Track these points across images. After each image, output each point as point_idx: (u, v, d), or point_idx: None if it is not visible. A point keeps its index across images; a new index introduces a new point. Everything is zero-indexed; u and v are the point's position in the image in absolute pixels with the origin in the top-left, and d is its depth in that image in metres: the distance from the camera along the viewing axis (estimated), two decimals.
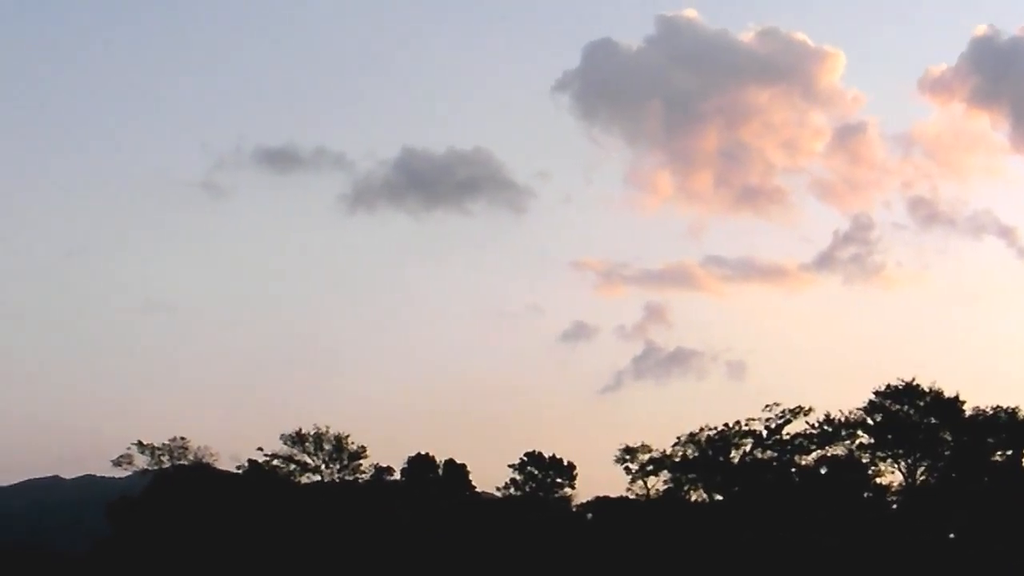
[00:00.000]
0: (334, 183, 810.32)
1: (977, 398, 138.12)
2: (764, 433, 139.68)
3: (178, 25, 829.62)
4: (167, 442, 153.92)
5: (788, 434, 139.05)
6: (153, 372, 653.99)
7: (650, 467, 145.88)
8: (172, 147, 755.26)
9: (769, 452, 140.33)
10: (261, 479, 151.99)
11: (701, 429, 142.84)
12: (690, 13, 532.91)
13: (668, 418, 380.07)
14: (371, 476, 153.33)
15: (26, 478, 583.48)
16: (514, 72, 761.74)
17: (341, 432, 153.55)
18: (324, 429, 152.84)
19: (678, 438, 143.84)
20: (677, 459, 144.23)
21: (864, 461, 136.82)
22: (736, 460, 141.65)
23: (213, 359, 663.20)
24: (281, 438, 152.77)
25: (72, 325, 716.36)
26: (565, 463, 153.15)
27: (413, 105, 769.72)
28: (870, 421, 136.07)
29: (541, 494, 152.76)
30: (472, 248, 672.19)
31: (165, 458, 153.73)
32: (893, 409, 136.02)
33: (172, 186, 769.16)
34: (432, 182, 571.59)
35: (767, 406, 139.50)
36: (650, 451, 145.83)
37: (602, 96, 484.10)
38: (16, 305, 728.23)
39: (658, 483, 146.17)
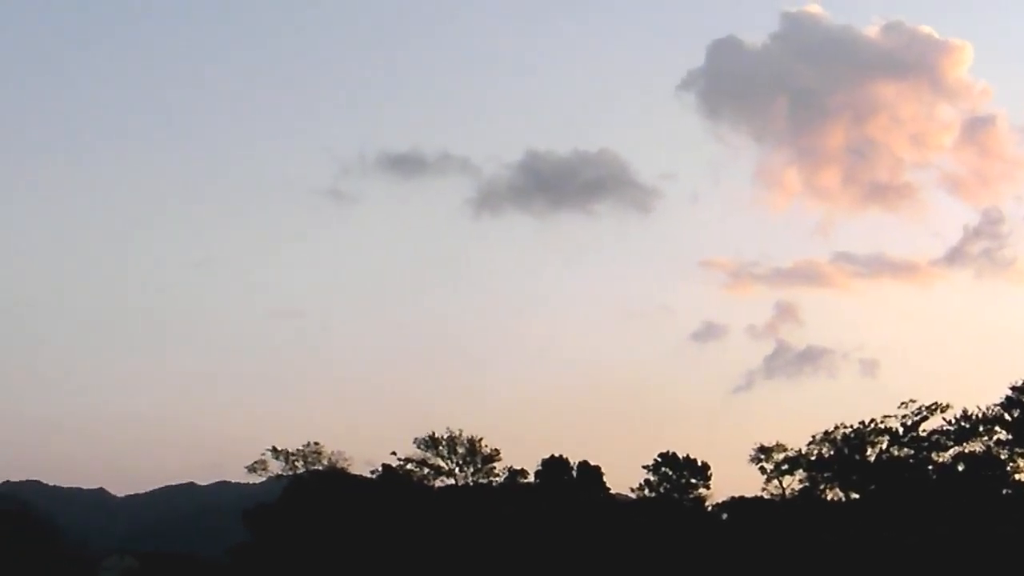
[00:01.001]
0: (459, 187, 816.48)
1: None
2: (900, 430, 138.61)
3: (302, 35, 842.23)
4: (301, 447, 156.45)
5: (924, 431, 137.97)
6: (286, 378, 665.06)
7: (785, 466, 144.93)
8: (299, 155, 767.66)
9: (905, 450, 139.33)
10: (395, 483, 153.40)
11: (836, 427, 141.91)
12: (814, 8, 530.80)
13: (801, 417, 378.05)
14: (505, 479, 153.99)
15: (162, 485, 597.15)
16: (638, 72, 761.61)
17: (474, 435, 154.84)
18: (457, 432, 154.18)
19: (813, 437, 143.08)
20: (812, 458, 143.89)
21: (1002, 458, 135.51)
22: (872, 458, 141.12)
23: (345, 364, 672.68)
24: (414, 442, 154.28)
25: (205, 333, 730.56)
26: (699, 463, 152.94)
27: (537, 107, 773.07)
28: (1008, 417, 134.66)
29: (675, 495, 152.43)
30: (599, 249, 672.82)
31: (299, 463, 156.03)
32: None
33: (300, 194, 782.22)
34: (557, 184, 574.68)
35: (903, 403, 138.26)
36: (785, 450, 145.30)
37: (727, 94, 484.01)
38: (149, 315, 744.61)
39: (793, 482, 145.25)
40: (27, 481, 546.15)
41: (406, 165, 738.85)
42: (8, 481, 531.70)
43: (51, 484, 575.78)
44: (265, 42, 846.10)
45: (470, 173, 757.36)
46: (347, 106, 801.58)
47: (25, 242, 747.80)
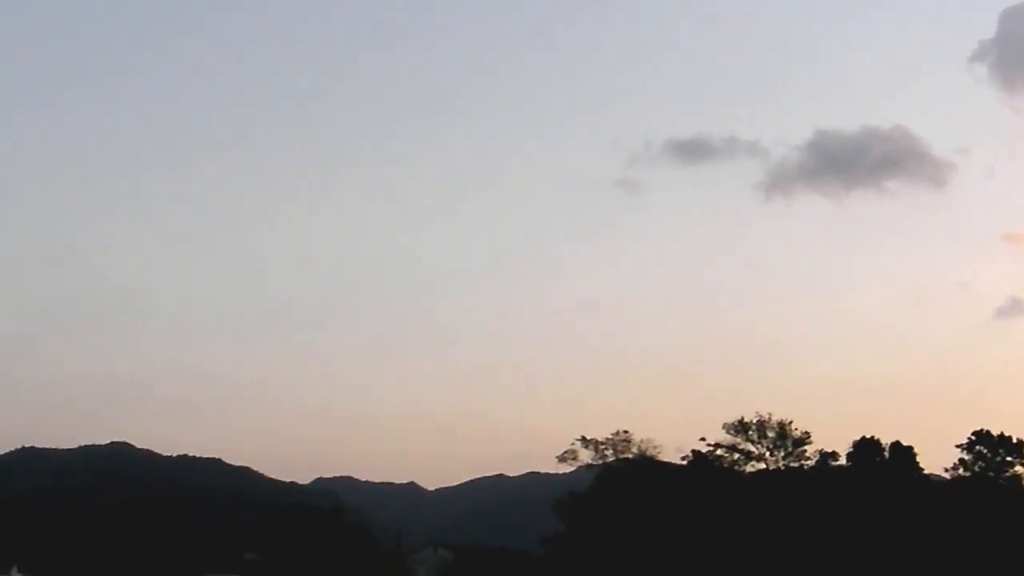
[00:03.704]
0: (748, 171, 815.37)
1: None
2: None
3: (582, 27, 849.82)
4: (610, 436, 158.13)
5: None
6: (592, 368, 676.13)
7: None
8: (585, 148, 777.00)
9: None
10: (705, 469, 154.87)
11: None
12: None
13: None
14: (816, 462, 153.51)
15: (471, 478, 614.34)
16: (928, 45, 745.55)
17: (784, 418, 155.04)
18: (767, 416, 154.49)
19: None
20: None
21: None
22: None
23: (648, 352, 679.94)
24: (724, 427, 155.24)
25: (509, 327, 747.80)
26: (1015, 441, 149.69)
27: (824, 86, 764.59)
28: None
29: (991, 474, 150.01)
30: (893, 227, 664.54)
31: (609, 452, 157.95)
32: None
33: (589, 186, 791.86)
34: (848, 163, 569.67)
35: None
36: None
37: (1022, 64, 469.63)
38: (454, 311, 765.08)
39: None
40: (339, 477, 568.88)
41: (693, 151, 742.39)
42: (320, 478, 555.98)
43: (363, 480, 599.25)
44: (545, 36, 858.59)
45: (758, 156, 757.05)
46: (631, 95, 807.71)
47: (325, 247, 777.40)
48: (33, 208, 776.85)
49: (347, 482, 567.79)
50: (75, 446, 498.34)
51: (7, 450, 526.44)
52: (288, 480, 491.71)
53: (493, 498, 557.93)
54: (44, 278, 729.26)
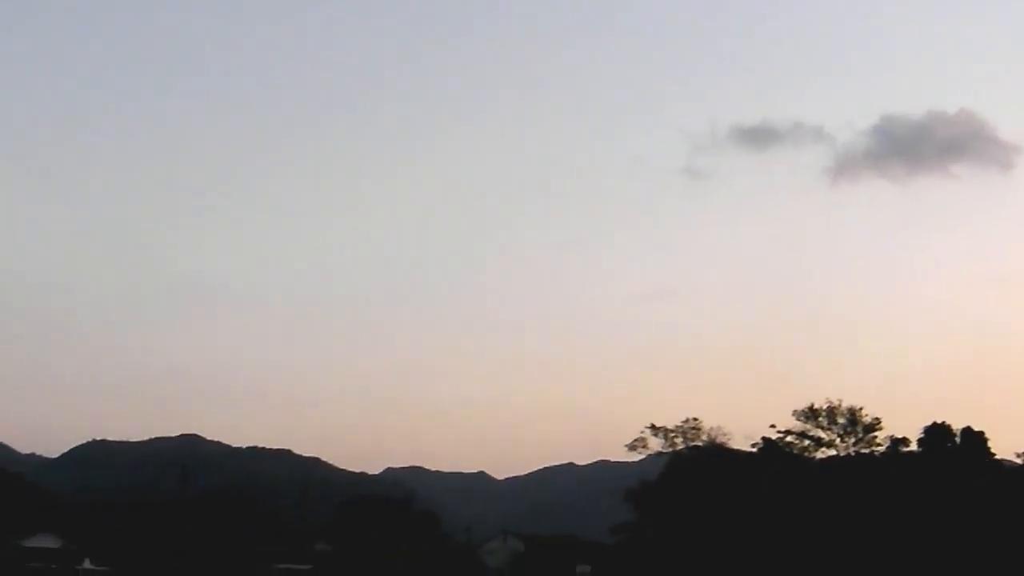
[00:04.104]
0: (814, 156, 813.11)
1: None
2: None
3: (644, 14, 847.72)
4: (680, 424, 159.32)
5: None
6: (660, 356, 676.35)
7: None
8: (650, 135, 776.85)
9: None
10: (775, 456, 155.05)
11: None
12: None
13: None
14: (887, 448, 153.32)
15: (541, 466, 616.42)
16: (993, 27, 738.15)
17: (854, 404, 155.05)
18: (836, 402, 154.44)
19: None
20: None
21: None
22: None
23: (717, 340, 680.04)
24: (793, 414, 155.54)
25: (576, 315, 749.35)
26: None
27: (889, 69, 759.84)
28: None
29: None
30: (961, 211, 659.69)
31: (678, 440, 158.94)
32: None
33: (655, 173, 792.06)
34: (914, 147, 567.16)
35: None
36: None
37: None
38: (519, 299, 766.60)
39: None
40: (409, 467, 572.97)
41: (758, 137, 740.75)
42: (391, 468, 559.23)
43: (433, 470, 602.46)
44: (611, 25, 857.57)
45: (824, 141, 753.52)
46: (696, 82, 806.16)
47: (393, 238, 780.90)
48: (105, 203, 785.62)
49: (417, 472, 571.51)
50: (146, 439, 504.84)
51: (79, 443, 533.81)
52: (358, 470, 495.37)
53: (563, 487, 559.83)
54: (114, 273, 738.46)
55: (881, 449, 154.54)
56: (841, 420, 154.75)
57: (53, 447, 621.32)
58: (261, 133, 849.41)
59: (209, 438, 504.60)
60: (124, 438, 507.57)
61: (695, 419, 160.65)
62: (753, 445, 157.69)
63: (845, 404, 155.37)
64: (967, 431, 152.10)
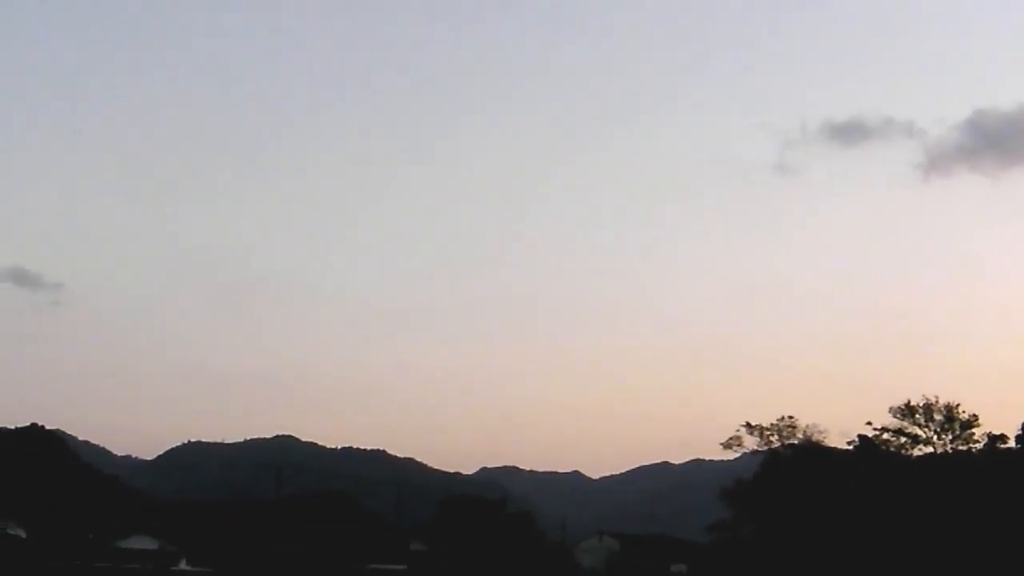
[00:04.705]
0: (906, 152, 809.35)
1: None
2: None
3: (732, 10, 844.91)
4: (775, 422, 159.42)
5: None
6: (755, 354, 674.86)
7: None
8: (739, 132, 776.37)
9: None
10: (872, 454, 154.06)
11: None
12: None
13: None
14: (984, 445, 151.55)
15: (636, 466, 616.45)
16: None
17: (951, 401, 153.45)
18: (934, 399, 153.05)
19: None
20: None
21: None
22: None
23: (812, 337, 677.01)
24: (890, 411, 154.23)
25: (671, 315, 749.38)
26: None
27: (980, 62, 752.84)
28: None
29: None
30: None
31: (774, 438, 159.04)
32: None
33: (744, 171, 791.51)
34: (1006, 141, 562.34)
35: None
36: None
37: None
38: (612, 298, 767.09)
39: None
40: (504, 467, 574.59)
41: (849, 133, 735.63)
42: (485, 468, 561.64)
43: (527, 469, 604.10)
44: (702, 23, 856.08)
45: (915, 136, 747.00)
46: (786, 78, 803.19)
47: (486, 240, 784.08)
48: (195, 207, 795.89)
49: (512, 472, 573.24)
50: (241, 440, 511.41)
51: (174, 445, 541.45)
52: (453, 471, 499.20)
53: (658, 486, 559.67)
54: (209, 275, 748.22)
55: (979, 446, 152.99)
56: (938, 417, 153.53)
57: (149, 449, 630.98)
58: (348, 137, 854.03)
59: (304, 439, 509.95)
60: (219, 440, 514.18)
61: (790, 417, 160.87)
62: (849, 443, 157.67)
63: (942, 401, 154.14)
64: None
